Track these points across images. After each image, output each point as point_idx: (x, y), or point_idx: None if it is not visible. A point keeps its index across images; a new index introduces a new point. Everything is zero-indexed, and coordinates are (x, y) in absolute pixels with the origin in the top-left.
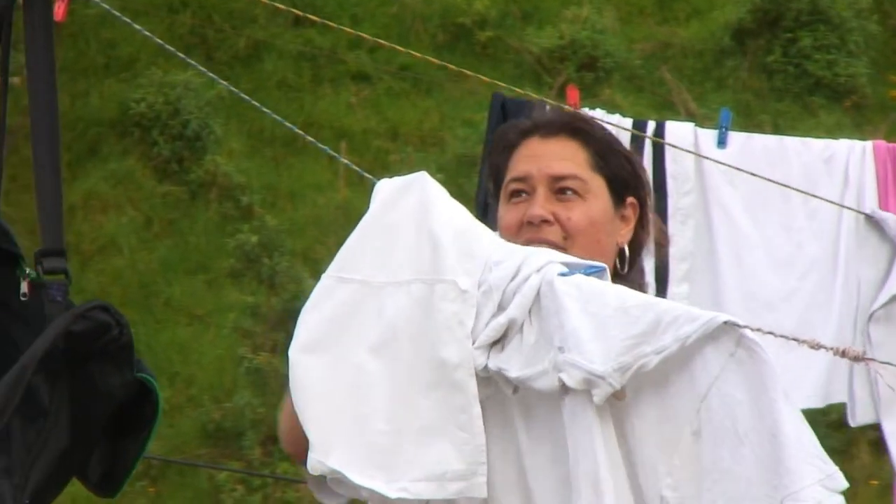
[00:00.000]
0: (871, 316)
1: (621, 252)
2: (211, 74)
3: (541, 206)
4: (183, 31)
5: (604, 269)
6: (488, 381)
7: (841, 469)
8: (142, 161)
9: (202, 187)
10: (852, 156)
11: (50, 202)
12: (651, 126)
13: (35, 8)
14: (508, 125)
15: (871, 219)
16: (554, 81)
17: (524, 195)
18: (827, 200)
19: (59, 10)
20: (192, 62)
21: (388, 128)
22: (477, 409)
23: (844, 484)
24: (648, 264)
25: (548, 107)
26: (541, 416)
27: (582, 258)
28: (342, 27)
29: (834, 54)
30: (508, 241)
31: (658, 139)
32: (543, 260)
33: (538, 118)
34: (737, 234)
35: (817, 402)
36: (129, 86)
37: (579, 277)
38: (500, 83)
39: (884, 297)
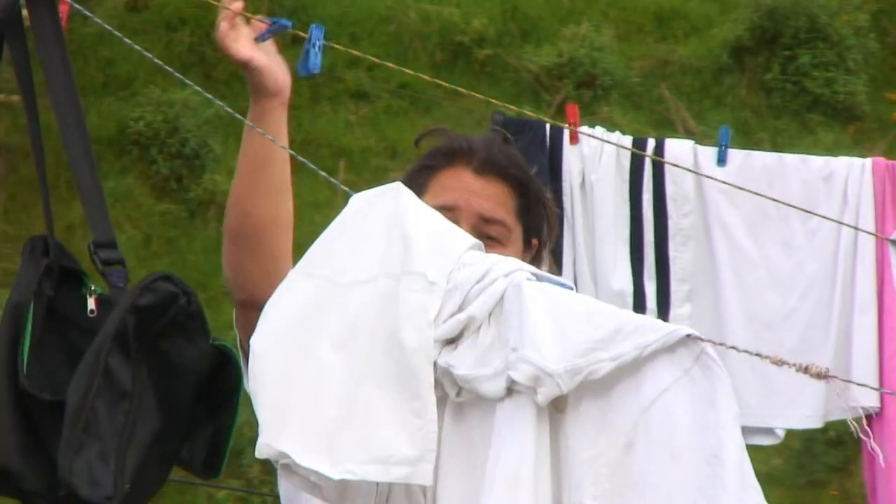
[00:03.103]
0: None
1: None
2: (206, 95)
3: None
4: (181, 50)
5: (571, 289)
6: (436, 381)
7: (840, 485)
8: (140, 179)
9: (201, 205)
10: (851, 173)
11: (94, 199)
12: (651, 144)
13: (43, 19)
14: (442, 142)
15: (894, 242)
16: (552, 99)
17: None
18: (837, 222)
19: None
20: (189, 82)
21: (386, 146)
22: (432, 396)
23: None
24: (650, 287)
25: (490, 132)
26: (471, 424)
27: None
28: (338, 45)
29: (832, 72)
30: None
31: (659, 158)
32: (513, 266)
33: (475, 145)
34: (738, 253)
35: (816, 423)
36: (128, 104)
37: (546, 284)
38: (496, 102)
39: None
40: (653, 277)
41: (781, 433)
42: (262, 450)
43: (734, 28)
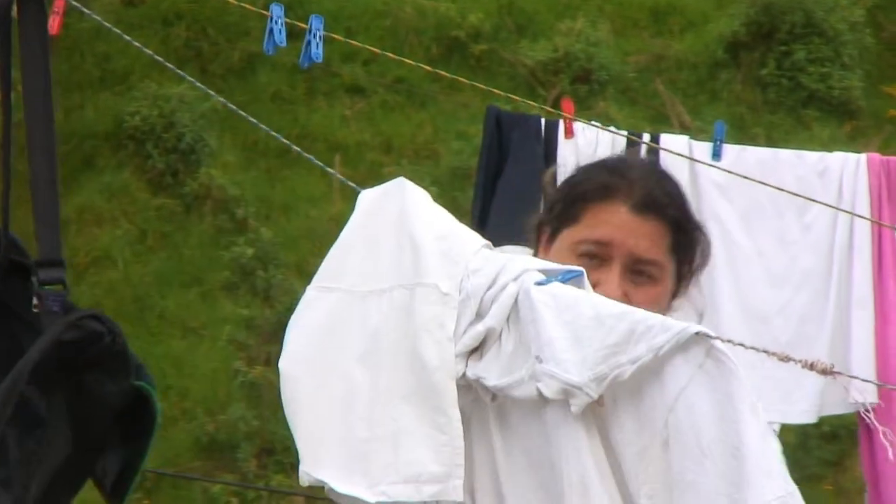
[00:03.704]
0: None
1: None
2: (202, 86)
3: (617, 286)
4: (178, 44)
5: (581, 275)
6: (468, 388)
7: (834, 480)
8: (136, 174)
9: (197, 200)
10: (846, 168)
11: (47, 213)
12: (646, 139)
13: (30, 21)
14: (596, 168)
15: None
16: (548, 94)
17: (597, 259)
18: (836, 208)
19: (53, 24)
20: (185, 75)
21: (382, 140)
22: (456, 412)
23: None
24: None
25: (642, 154)
26: (516, 423)
27: None
28: (334, 35)
29: (828, 67)
30: None
31: (654, 145)
32: (520, 268)
33: (632, 179)
34: (733, 247)
35: (812, 417)
36: (124, 99)
37: (556, 286)
38: (495, 90)
39: None
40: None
41: (777, 428)
42: (303, 478)
43: (730, 23)
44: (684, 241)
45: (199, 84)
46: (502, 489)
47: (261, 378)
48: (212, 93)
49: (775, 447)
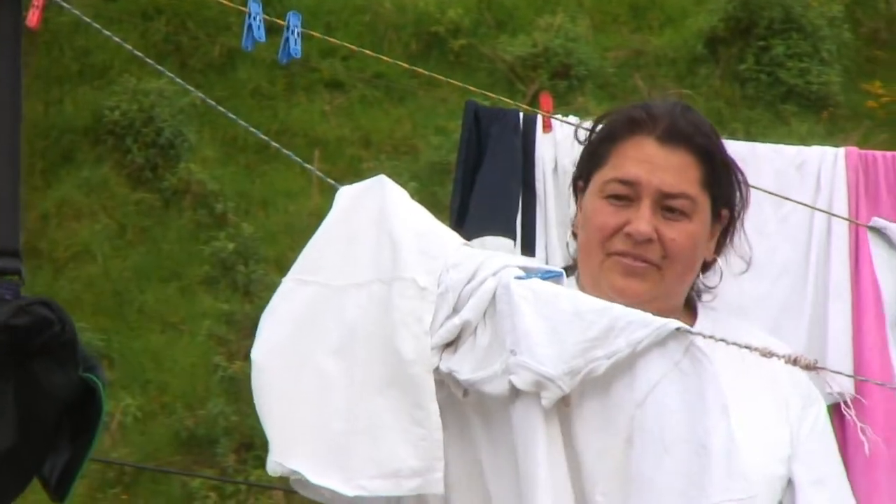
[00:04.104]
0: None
1: (704, 264)
2: (180, 81)
3: (647, 221)
4: (157, 39)
5: (560, 275)
6: (441, 383)
7: None
8: (115, 168)
9: (176, 195)
10: (824, 162)
11: (6, 202)
12: None
13: (3, 14)
14: (620, 110)
15: (873, 229)
16: (527, 89)
17: (626, 200)
18: (814, 208)
19: (32, 18)
20: (164, 70)
21: (361, 136)
22: (434, 405)
23: None
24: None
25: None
26: (498, 418)
27: (676, 279)
28: (313, 32)
29: (806, 62)
30: (594, 239)
31: None
32: (500, 264)
33: (657, 113)
34: None
35: None
36: (103, 93)
37: (535, 282)
38: (472, 88)
39: None
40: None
41: None
42: (274, 468)
43: (709, 18)
44: (717, 175)
45: (178, 80)
46: (487, 484)
47: (240, 373)
48: (191, 88)
49: (740, 452)
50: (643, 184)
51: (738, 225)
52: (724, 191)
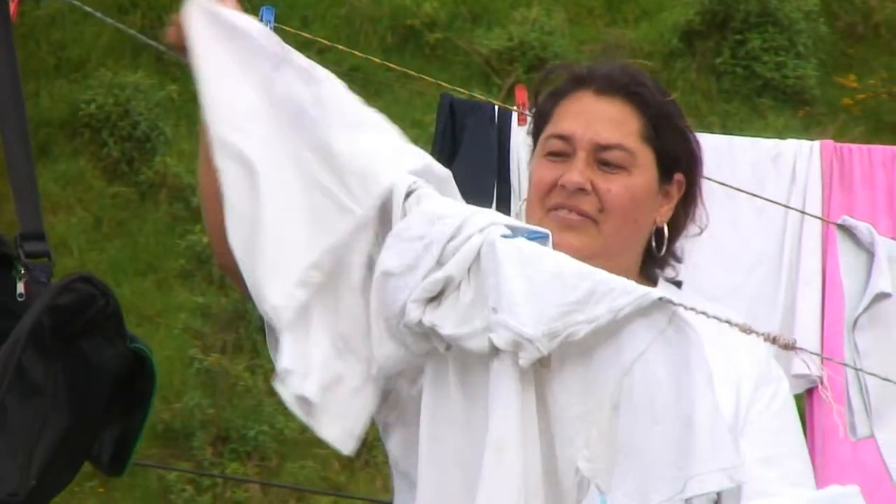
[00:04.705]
0: (855, 324)
1: (658, 231)
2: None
3: (579, 171)
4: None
5: (547, 237)
6: (425, 336)
7: None
8: (92, 162)
9: (152, 188)
10: (800, 154)
11: (25, 188)
12: None
13: None
14: (562, 66)
15: (842, 227)
16: (503, 83)
17: (563, 156)
18: (786, 206)
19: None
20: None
21: None
22: None
23: (744, 480)
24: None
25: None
26: (477, 374)
27: (615, 234)
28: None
29: (783, 56)
30: (534, 197)
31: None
32: (487, 220)
33: (597, 68)
34: None
35: None
36: (79, 87)
37: (521, 241)
38: (446, 85)
39: (865, 301)
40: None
41: None
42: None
43: (685, 12)
44: (660, 128)
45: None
46: (460, 441)
47: (216, 366)
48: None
49: (725, 421)
50: (577, 137)
51: (696, 191)
52: (670, 148)
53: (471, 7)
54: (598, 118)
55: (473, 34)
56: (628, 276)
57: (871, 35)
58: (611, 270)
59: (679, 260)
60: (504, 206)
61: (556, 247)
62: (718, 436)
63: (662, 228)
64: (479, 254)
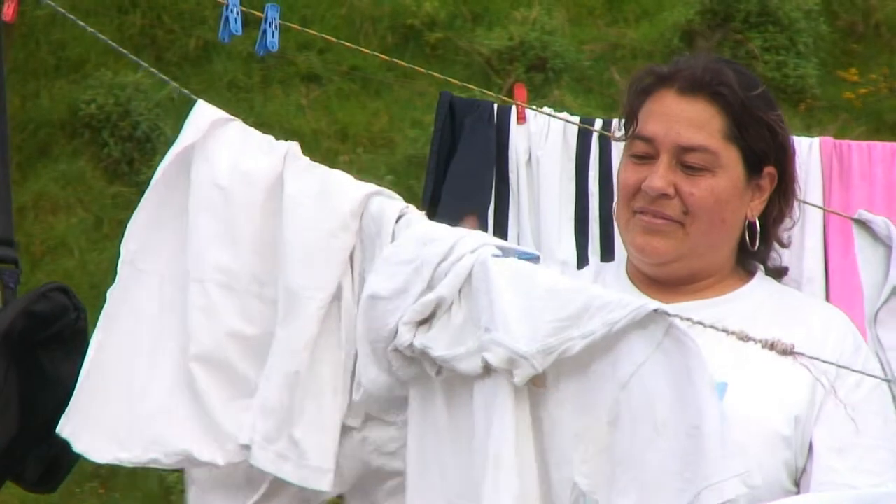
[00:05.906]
0: (875, 319)
1: (751, 226)
2: (158, 73)
3: (661, 176)
4: (133, 32)
5: (536, 258)
6: (413, 361)
7: None
8: (92, 162)
9: None
10: (800, 151)
11: None
12: (598, 125)
13: None
14: (648, 67)
15: (859, 222)
16: (503, 82)
17: (647, 158)
18: (801, 202)
19: (8, 11)
20: (140, 61)
21: (338, 129)
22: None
23: (758, 483)
24: (594, 262)
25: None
26: (463, 398)
27: (702, 235)
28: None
29: (783, 55)
30: (621, 198)
31: (606, 133)
32: (478, 241)
33: (681, 65)
34: None
35: None
36: (80, 87)
37: (512, 261)
38: (450, 79)
39: (884, 294)
40: (597, 252)
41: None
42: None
43: (685, 12)
44: (744, 126)
45: (155, 71)
46: (446, 461)
47: None
48: (167, 79)
49: (730, 429)
50: (659, 139)
51: (789, 181)
52: (755, 144)
53: (471, 7)
54: (680, 119)
55: (474, 34)
56: (722, 273)
57: (872, 34)
58: (702, 269)
59: (784, 246)
60: (502, 205)
61: (639, 249)
62: (728, 443)
63: (755, 222)
64: (470, 275)
